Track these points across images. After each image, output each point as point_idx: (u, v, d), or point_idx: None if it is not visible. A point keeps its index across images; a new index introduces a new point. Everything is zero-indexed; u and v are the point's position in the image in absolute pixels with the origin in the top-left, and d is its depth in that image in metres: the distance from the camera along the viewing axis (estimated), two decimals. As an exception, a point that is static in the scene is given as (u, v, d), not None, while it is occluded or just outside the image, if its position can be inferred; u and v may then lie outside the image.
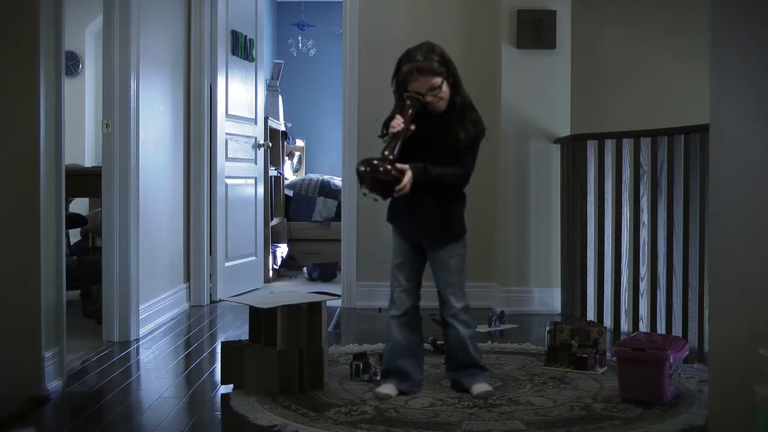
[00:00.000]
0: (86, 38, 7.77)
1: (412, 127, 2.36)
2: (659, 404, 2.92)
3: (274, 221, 6.88)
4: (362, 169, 2.26)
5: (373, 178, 2.27)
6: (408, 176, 2.27)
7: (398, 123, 2.28)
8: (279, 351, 3.06)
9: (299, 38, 9.17)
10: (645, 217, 4.21)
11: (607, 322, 4.44)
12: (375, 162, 2.26)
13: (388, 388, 2.79)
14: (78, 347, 3.84)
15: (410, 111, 2.37)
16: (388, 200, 2.44)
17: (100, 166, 4.25)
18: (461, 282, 2.41)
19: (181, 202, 5.14)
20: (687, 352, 3.14)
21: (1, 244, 2.96)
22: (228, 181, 5.60)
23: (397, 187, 2.26)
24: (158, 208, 4.65)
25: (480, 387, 2.84)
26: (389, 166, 2.23)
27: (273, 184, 6.95)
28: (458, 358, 2.63)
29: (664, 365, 2.92)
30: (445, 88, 2.30)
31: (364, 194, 2.34)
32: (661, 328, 4.06)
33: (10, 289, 2.99)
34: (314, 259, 7.01)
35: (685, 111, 4.52)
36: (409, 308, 2.43)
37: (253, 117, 6.03)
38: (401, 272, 2.35)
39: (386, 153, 2.28)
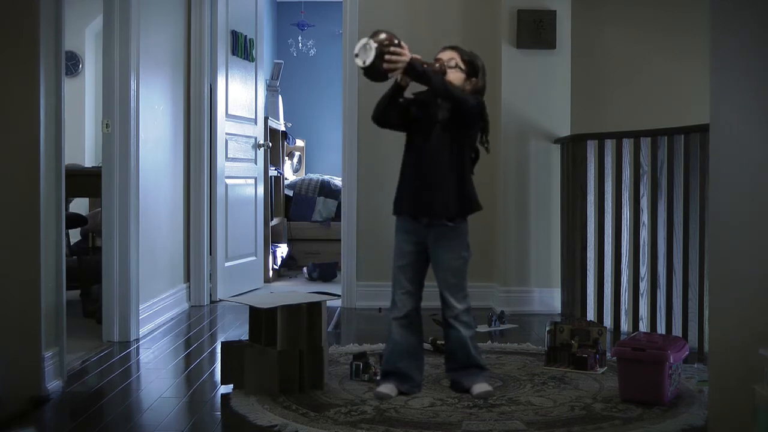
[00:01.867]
0: (86, 38, 7.77)
1: (426, 65, 2.41)
2: (659, 404, 2.92)
3: (274, 221, 6.88)
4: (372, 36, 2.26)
5: (379, 32, 2.29)
6: (407, 53, 2.29)
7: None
8: (279, 351, 3.06)
9: (299, 38, 9.17)
10: (645, 217, 4.21)
11: (607, 322, 4.44)
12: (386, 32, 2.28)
13: (388, 388, 2.81)
14: (78, 347, 3.84)
15: (423, 61, 2.42)
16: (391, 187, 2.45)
17: (100, 166, 4.25)
18: (462, 283, 2.40)
19: (181, 202, 5.14)
20: (687, 352, 3.14)
21: (1, 244, 2.97)
22: (228, 181, 5.60)
23: (394, 50, 2.26)
24: (158, 208, 4.65)
25: (480, 387, 2.86)
26: (397, 40, 2.25)
27: (273, 184, 6.95)
28: (459, 359, 2.64)
29: (664, 365, 2.92)
30: (460, 73, 2.36)
31: (356, 53, 2.35)
32: (661, 328, 4.06)
33: (10, 289, 2.99)
34: (314, 259, 7.01)
35: (685, 111, 4.52)
36: (411, 310, 2.43)
37: (253, 117, 6.03)
38: (404, 274, 2.34)
39: None
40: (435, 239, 2.40)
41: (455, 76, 2.48)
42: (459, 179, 2.29)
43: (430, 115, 2.40)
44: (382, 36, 2.39)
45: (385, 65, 2.30)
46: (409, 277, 2.38)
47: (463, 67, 2.50)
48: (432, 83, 2.39)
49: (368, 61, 2.37)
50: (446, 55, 2.47)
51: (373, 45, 2.35)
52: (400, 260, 2.38)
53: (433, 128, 2.37)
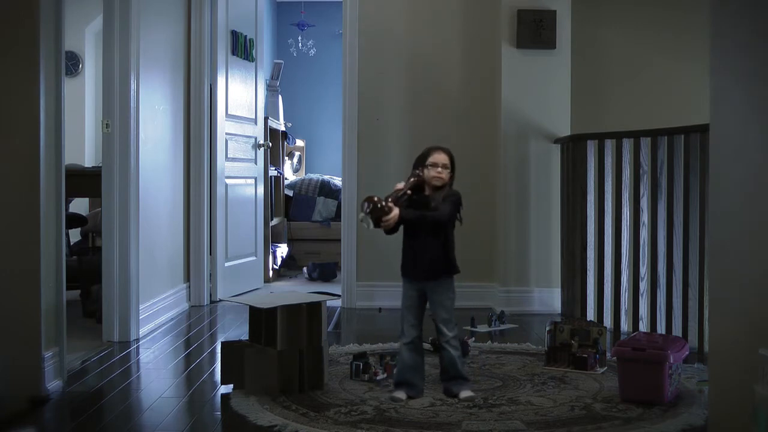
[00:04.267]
0: (86, 38, 7.77)
1: (409, 191, 3.05)
2: (659, 404, 2.92)
3: (274, 221, 6.88)
4: (365, 201, 2.96)
5: (370, 203, 2.93)
6: (395, 212, 2.94)
7: (400, 186, 3.01)
8: (279, 351, 3.07)
9: (299, 38, 9.17)
10: (645, 217, 4.21)
11: (607, 322, 4.44)
12: (375, 198, 2.96)
13: (400, 394, 3.03)
14: (78, 347, 3.84)
15: (411, 180, 3.05)
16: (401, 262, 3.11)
17: (100, 166, 4.25)
18: (452, 317, 3.02)
19: (181, 202, 5.14)
20: (687, 352, 3.15)
21: (1, 244, 2.97)
22: (228, 181, 5.60)
23: (384, 218, 2.94)
24: (158, 208, 4.65)
25: (465, 393, 3.06)
26: (384, 202, 2.92)
27: (273, 184, 6.95)
28: (450, 372, 3.08)
29: (664, 365, 2.92)
30: (446, 174, 3.02)
31: (361, 220, 2.98)
32: (661, 328, 4.06)
33: (10, 289, 2.99)
34: (314, 259, 7.01)
35: (685, 111, 4.51)
36: (415, 337, 3.02)
37: (253, 117, 6.03)
38: (409, 312, 2.99)
39: (385, 197, 2.98)
40: (431, 288, 3.04)
41: (446, 175, 3.05)
42: (444, 254, 2.97)
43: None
44: (369, 207, 2.95)
45: (382, 225, 2.95)
46: (413, 314, 3.02)
47: (449, 165, 3.06)
48: (419, 221, 3.00)
49: (372, 227, 2.98)
50: (441, 158, 3.02)
51: (370, 220, 2.95)
52: (406, 302, 3.03)
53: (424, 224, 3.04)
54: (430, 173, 2.95)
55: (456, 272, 3.09)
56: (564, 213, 4.85)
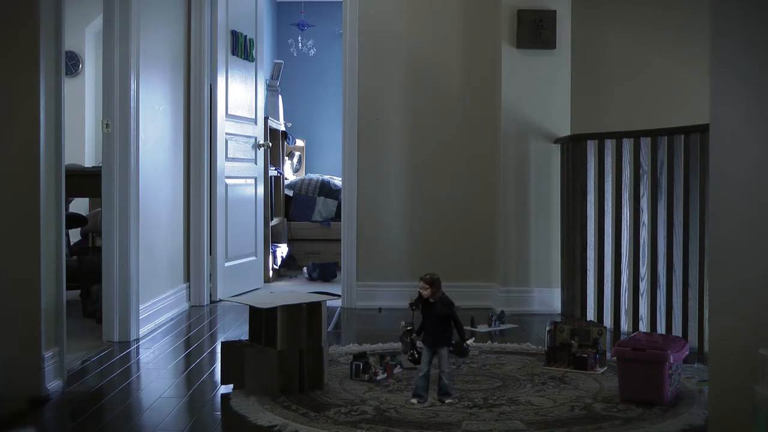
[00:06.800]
0: (86, 38, 7.77)
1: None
2: (659, 404, 2.92)
3: (274, 221, 6.88)
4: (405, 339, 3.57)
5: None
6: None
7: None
8: (279, 351, 3.07)
9: (299, 38, 9.17)
10: (645, 217, 4.21)
11: (607, 322, 4.44)
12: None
13: (413, 400, 3.10)
14: (78, 347, 3.84)
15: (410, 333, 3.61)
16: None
17: (100, 166, 4.25)
18: (448, 362, 3.22)
19: (181, 202, 5.14)
20: (687, 352, 3.15)
21: (1, 244, 2.97)
22: (228, 181, 5.60)
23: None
24: (158, 208, 4.65)
25: (449, 399, 3.11)
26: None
27: (273, 184, 6.95)
28: (443, 391, 3.14)
29: (664, 365, 2.92)
30: (428, 291, 3.32)
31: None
32: (661, 328, 4.06)
33: (10, 289, 2.99)
34: (314, 259, 7.01)
35: (685, 111, 4.52)
36: (427, 371, 3.17)
37: (253, 117, 6.03)
38: (425, 358, 3.20)
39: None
40: (442, 349, 3.24)
41: (428, 292, 3.30)
42: (447, 335, 3.23)
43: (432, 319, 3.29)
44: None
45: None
46: (427, 360, 3.18)
47: (427, 286, 3.33)
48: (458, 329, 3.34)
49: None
50: (422, 284, 3.32)
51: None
52: (425, 353, 3.23)
53: (436, 324, 3.27)
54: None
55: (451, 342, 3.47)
56: (564, 213, 4.85)
